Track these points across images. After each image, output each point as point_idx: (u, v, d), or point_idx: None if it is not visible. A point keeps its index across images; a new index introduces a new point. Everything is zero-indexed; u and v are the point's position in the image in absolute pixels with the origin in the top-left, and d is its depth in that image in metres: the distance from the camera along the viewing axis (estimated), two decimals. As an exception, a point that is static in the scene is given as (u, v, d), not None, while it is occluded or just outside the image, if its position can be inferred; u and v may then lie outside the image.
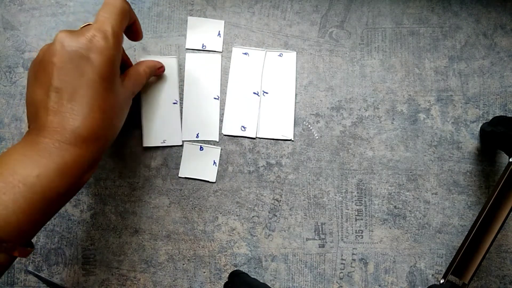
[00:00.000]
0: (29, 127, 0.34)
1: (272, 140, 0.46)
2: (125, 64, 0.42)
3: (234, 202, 0.46)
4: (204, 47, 0.47)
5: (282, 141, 0.46)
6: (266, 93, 0.47)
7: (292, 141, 0.46)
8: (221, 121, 0.47)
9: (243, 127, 0.46)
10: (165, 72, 0.47)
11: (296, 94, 0.47)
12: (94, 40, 0.33)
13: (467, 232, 0.40)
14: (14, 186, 0.30)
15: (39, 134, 0.32)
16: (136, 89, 0.40)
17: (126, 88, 0.38)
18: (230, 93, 0.47)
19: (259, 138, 0.46)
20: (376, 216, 0.46)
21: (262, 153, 0.46)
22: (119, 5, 0.35)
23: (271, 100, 0.47)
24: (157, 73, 0.45)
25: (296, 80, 0.47)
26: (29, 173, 0.31)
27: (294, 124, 0.46)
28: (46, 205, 0.32)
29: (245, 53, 0.47)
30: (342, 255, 0.45)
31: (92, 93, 0.33)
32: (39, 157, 0.32)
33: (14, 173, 0.31)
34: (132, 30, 0.40)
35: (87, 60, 0.33)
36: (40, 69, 0.34)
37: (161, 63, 0.45)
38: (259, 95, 0.47)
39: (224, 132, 0.46)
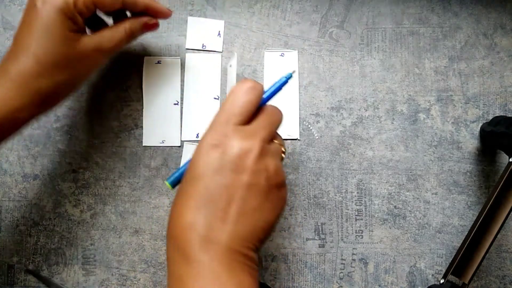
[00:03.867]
0: None
1: (272, 140, 0.46)
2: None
3: (234, 202, 0.46)
4: (204, 47, 0.47)
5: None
6: None
7: (299, 140, 0.46)
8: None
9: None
10: (168, 73, 0.47)
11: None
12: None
13: (467, 232, 0.40)
14: None
15: None
16: None
17: None
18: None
19: None
20: (376, 216, 0.46)
21: (262, 153, 0.46)
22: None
23: (275, 100, 0.47)
24: None
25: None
26: None
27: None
28: None
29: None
30: (342, 255, 0.45)
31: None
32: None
33: None
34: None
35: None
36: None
37: None
38: None
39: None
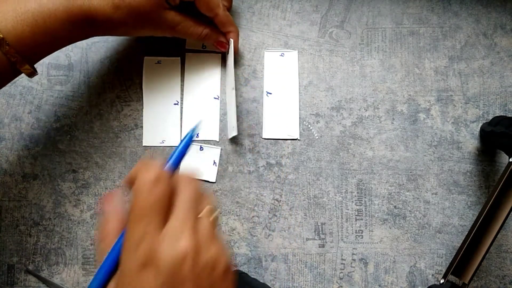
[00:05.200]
0: None
1: (272, 140, 0.46)
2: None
3: (234, 202, 0.46)
4: (204, 47, 0.47)
5: (282, 140, 0.46)
6: (270, 93, 0.47)
7: (299, 140, 0.46)
8: (221, 121, 0.47)
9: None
10: (168, 73, 0.47)
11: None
12: None
13: (467, 232, 0.40)
14: (28, 0, 0.36)
15: None
16: None
17: None
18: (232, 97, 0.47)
19: (265, 139, 0.46)
20: (376, 216, 0.46)
21: (262, 153, 0.46)
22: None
23: (275, 100, 0.47)
24: None
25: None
26: None
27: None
28: (48, 27, 0.36)
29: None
30: (342, 255, 0.45)
31: None
32: None
33: None
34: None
35: None
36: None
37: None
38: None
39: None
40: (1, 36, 0.35)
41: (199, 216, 0.29)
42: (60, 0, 0.36)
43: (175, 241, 0.26)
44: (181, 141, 0.32)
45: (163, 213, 0.28)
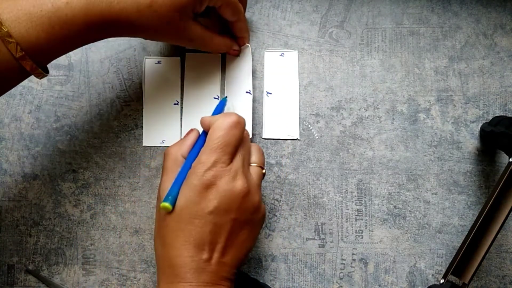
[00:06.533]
0: None
1: (272, 140, 0.46)
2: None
3: (234, 202, 0.46)
4: (204, 47, 0.47)
5: (282, 140, 0.46)
6: (270, 93, 0.47)
7: (299, 140, 0.46)
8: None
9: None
10: (168, 73, 0.47)
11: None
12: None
13: (467, 232, 0.40)
14: (44, 3, 0.34)
15: None
16: None
17: None
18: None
19: (265, 139, 0.46)
20: (376, 216, 0.46)
21: (262, 153, 0.46)
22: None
23: (275, 100, 0.47)
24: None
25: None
26: None
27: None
28: (65, 32, 0.35)
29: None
30: (342, 255, 0.45)
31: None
32: None
33: None
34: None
35: None
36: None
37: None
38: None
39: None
40: (14, 41, 0.33)
41: (252, 164, 0.39)
42: (79, 4, 0.34)
43: (234, 178, 0.35)
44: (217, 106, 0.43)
45: (233, 152, 0.36)
